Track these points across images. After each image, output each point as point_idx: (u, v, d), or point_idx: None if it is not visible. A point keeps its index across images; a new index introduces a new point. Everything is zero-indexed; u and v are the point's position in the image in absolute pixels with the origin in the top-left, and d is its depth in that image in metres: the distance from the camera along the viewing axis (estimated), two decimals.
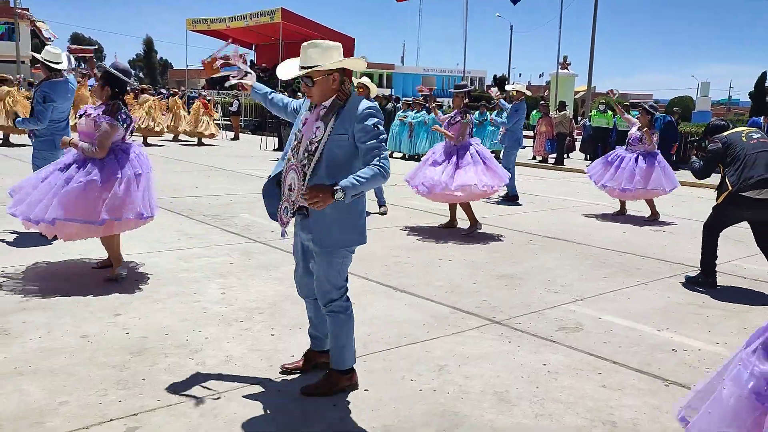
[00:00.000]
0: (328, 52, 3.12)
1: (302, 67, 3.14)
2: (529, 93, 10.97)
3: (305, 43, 3.17)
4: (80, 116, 5.15)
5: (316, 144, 3.13)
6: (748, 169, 5.46)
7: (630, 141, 9.39)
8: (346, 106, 3.15)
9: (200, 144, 19.70)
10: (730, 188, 5.54)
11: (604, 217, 9.49)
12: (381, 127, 3.12)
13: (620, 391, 3.57)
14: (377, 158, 3.05)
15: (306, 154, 3.16)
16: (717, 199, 5.78)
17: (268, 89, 3.73)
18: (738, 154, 5.57)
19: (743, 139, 5.67)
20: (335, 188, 2.93)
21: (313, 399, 3.32)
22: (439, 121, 8.36)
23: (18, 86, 18.09)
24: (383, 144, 3.12)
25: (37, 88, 6.41)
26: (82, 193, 4.86)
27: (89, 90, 16.62)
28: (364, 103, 3.14)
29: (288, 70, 3.29)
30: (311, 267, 3.35)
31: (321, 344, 3.63)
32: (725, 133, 5.81)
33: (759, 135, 5.75)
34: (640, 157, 9.08)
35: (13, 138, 16.37)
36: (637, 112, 16.81)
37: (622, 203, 9.66)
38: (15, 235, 6.51)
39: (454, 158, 7.56)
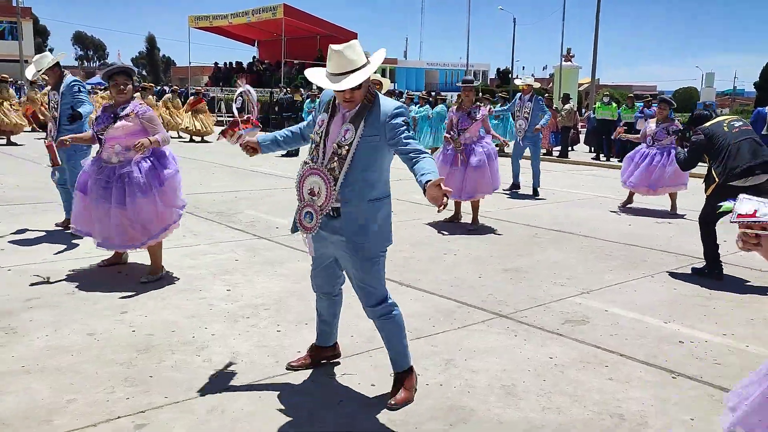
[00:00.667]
0: (360, 51, 2.98)
1: (348, 72, 2.92)
2: (537, 85, 10.89)
3: (338, 48, 2.94)
4: (113, 120, 4.94)
5: (347, 147, 3.03)
6: (733, 159, 5.46)
7: (656, 137, 9.20)
8: (373, 106, 3.05)
9: (203, 141, 19.71)
10: (717, 180, 5.53)
11: (610, 209, 9.46)
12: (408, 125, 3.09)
13: (627, 384, 3.56)
14: (418, 150, 2.97)
15: (335, 158, 3.04)
16: (705, 191, 5.79)
17: (273, 135, 3.54)
18: (721, 144, 5.56)
19: (725, 128, 5.66)
20: (433, 182, 2.72)
21: (320, 394, 3.33)
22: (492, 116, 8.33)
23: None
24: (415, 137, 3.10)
25: (68, 89, 6.33)
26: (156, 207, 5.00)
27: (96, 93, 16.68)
28: (392, 102, 3.10)
29: (352, 80, 2.92)
30: (348, 274, 3.28)
31: (328, 339, 3.65)
32: (707, 124, 5.78)
33: (741, 123, 5.75)
34: (665, 154, 8.97)
35: (15, 138, 16.39)
36: (641, 104, 16.84)
37: (631, 194, 9.59)
38: (21, 234, 6.53)
39: (466, 160, 7.53)
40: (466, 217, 7.97)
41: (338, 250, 3.19)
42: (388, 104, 3.08)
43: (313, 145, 3.17)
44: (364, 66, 2.96)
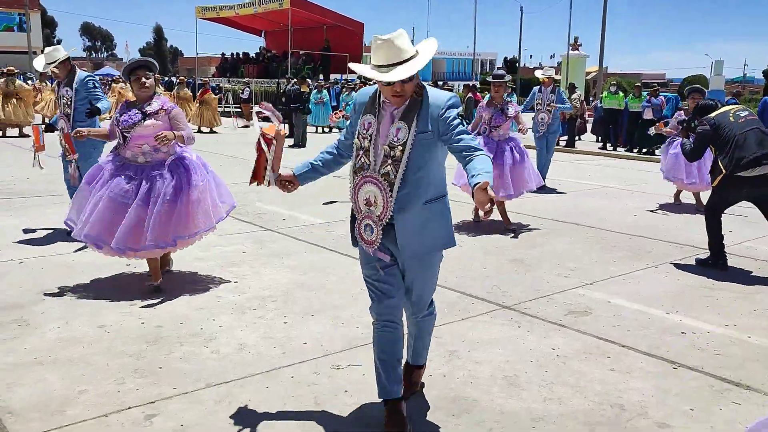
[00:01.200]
0: (409, 41, 2.74)
1: (397, 63, 2.66)
2: (558, 77, 10.70)
3: (387, 37, 2.68)
4: (142, 118, 4.67)
5: (401, 147, 2.76)
6: (739, 149, 5.46)
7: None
8: (423, 100, 2.80)
9: (211, 132, 19.82)
10: (723, 171, 5.54)
11: (616, 199, 9.47)
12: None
13: (628, 375, 3.61)
14: (471, 147, 2.75)
15: (388, 161, 2.77)
16: (712, 182, 5.79)
17: (308, 162, 3.13)
18: (727, 135, 5.55)
19: (731, 119, 5.64)
20: (480, 185, 2.51)
21: (326, 385, 3.39)
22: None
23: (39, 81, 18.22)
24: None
25: (82, 85, 6.25)
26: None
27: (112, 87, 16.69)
28: (443, 93, 2.85)
29: (406, 69, 2.67)
30: (405, 282, 2.97)
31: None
32: (713, 114, 5.76)
33: (747, 113, 5.73)
34: None
35: (27, 130, 16.51)
36: (662, 96, 16.67)
37: (678, 192, 9.23)
38: (32, 227, 6.62)
39: (499, 159, 7.10)
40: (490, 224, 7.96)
41: (399, 261, 2.94)
42: (439, 96, 2.82)
43: (361, 152, 2.86)
44: (413, 56, 2.71)
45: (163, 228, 4.59)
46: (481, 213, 2.67)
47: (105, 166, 4.77)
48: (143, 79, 4.69)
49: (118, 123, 4.71)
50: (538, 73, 10.90)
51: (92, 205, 4.62)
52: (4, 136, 15.98)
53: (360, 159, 2.86)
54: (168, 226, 4.61)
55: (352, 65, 2.95)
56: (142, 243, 4.55)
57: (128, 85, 4.94)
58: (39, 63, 6.39)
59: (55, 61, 6.18)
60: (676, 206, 9.00)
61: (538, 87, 10.49)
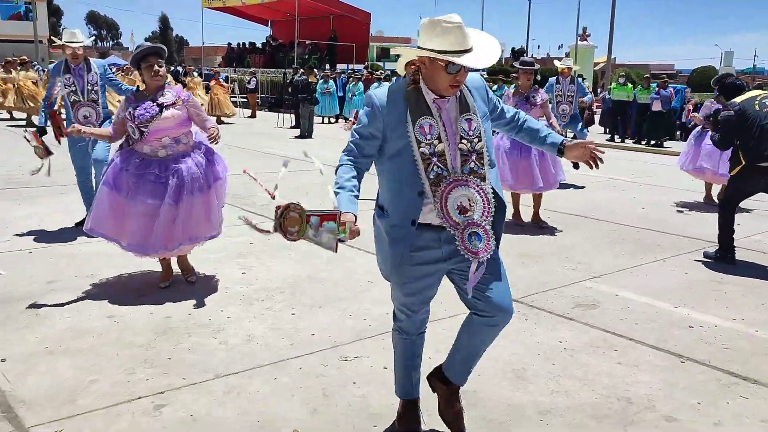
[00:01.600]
0: None
1: (468, 50, 2.41)
2: (577, 67, 10.47)
3: (457, 21, 2.40)
4: (160, 110, 4.42)
5: (477, 138, 2.55)
6: (761, 141, 5.38)
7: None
8: (464, 87, 2.58)
9: (219, 123, 19.83)
10: (742, 161, 5.48)
11: (624, 192, 9.45)
12: None
13: (636, 368, 3.61)
14: (516, 111, 2.82)
15: (472, 156, 2.54)
16: (730, 171, 5.72)
17: (348, 195, 2.48)
18: (750, 125, 5.45)
19: (756, 107, 5.53)
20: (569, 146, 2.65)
21: (334, 376, 3.41)
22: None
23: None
24: None
25: (105, 71, 6.18)
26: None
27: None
28: (474, 74, 2.69)
29: (490, 54, 2.46)
30: (485, 284, 2.61)
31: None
32: (738, 100, 5.64)
33: None
34: None
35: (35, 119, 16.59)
36: (671, 87, 16.55)
37: (709, 188, 8.89)
38: (41, 217, 6.65)
39: (526, 152, 6.78)
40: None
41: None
42: (475, 77, 2.66)
43: (434, 159, 2.49)
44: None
45: (195, 223, 4.52)
46: (598, 154, 2.75)
47: (123, 166, 4.46)
48: (156, 67, 4.41)
49: (133, 118, 4.39)
50: (558, 64, 10.62)
51: (129, 214, 4.42)
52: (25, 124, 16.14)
53: (432, 168, 2.48)
54: (199, 221, 4.55)
55: (408, 49, 2.58)
56: (176, 241, 4.46)
57: (135, 73, 4.75)
58: (80, 36, 6.17)
59: (84, 43, 6.14)
60: (683, 199, 8.96)
61: (555, 78, 10.25)
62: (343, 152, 2.58)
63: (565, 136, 7.90)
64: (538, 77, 6.61)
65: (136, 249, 4.50)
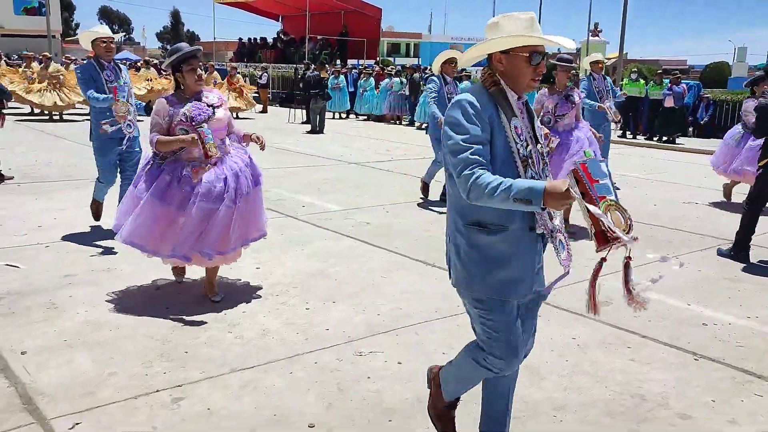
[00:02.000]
0: None
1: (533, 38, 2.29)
2: (606, 60, 9.89)
3: (525, 14, 2.32)
4: (213, 111, 4.23)
5: (542, 139, 2.49)
6: None
7: None
8: None
9: (236, 117, 19.89)
10: None
11: (636, 189, 9.41)
12: None
13: (649, 365, 3.62)
14: None
15: (544, 159, 2.47)
16: (759, 161, 5.65)
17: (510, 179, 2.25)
18: None
19: None
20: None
21: (349, 371, 3.43)
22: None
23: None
24: None
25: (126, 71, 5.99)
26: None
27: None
28: None
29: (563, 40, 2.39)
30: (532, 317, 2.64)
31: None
32: None
33: None
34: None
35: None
36: (684, 83, 16.44)
37: (729, 189, 8.61)
38: (56, 211, 6.72)
39: (566, 154, 6.40)
40: None
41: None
42: None
43: (529, 161, 2.35)
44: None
45: (245, 224, 4.37)
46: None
47: (171, 179, 4.20)
48: (199, 71, 4.23)
49: (189, 120, 4.14)
50: (590, 58, 9.68)
51: (180, 223, 4.17)
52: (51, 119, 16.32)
53: (528, 170, 2.34)
54: (248, 222, 4.41)
55: (494, 42, 2.32)
56: (231, 244, 4.26)
57: (172, 76, 4.39)
58: (105, 30, 5.90)
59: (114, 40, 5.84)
60: (696, 196, 8.92)
61: (588, 75, 9.49)
62: (462, 171, 2.22)
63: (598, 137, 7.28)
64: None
65: (180, 257, 4.26)
